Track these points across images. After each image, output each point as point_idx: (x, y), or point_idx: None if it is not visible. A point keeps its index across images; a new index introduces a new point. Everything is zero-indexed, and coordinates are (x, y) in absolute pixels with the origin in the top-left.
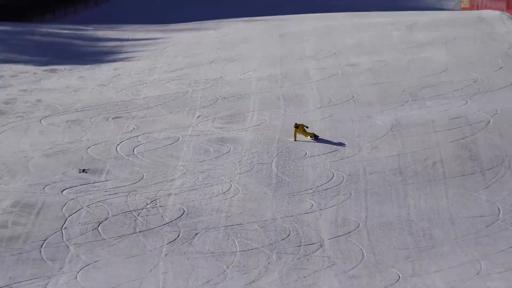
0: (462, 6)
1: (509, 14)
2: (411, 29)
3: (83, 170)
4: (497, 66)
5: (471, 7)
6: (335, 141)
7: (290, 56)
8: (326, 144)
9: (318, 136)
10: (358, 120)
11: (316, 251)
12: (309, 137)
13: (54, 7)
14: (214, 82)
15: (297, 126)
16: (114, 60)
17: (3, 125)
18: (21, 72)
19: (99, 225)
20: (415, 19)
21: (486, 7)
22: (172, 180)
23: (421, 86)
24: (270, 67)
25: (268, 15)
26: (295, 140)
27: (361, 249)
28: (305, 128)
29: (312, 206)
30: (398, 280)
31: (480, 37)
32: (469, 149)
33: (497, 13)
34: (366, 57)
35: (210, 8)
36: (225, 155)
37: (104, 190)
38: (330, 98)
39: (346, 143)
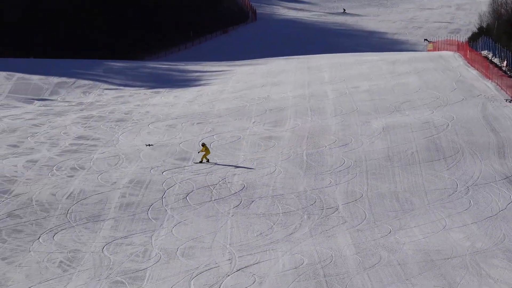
0: (428, 49)
1: (459, 53)
2: (394, 63)
3: (149, 145)
4: (452, 88)
5: (434, 49)
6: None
7: (314, 81)
8: (339, 140)
9: (208, 161)
10: (360, 124)
11: (333, 213)
12: (204, 159)
13: (157, 50)
14: (263, 99)
15: (203, 145)
16: (197, 85)
17: (124, 128)
18: (136, 93)
19: (187, 195)
20: (397, 57)
21: (444, 49)
22: (236, 164)
23: (402, 101)
24: (301, 89)
25: (298, 55)
26: (201, 152)
27: (364, 212)
28: (208, 151)
29: (330, 182)
30: (390, 232)
31: (440, 69)
32: (435, 143)
33: (451, 53)
34: (365, 82)
35: (260, 52)
36: (271, 148)
37: (191, 172)
38: (341, 110)
39: (352, 139)
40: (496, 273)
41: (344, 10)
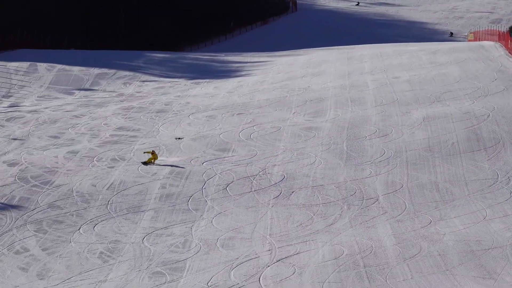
0: (469, 39)
1: (500, 43)
2: (435, 54)
3: (179, 138)
4: (493, 78)
5: (475, 40)
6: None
7: (354, 72)
8: (379, 130)
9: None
10: (401, 115)
11: (373, 203)
12: (150, 161)
13: (198, 41)
14: (304, 90)
15: (153, 152)
16: (238, 76)
17: (164, 119)
18: (176, 84)
19: (227, 186)
20: (437, 47)
21: (485, 39)
22: (276, 155)
23: (443, 92)
24: (341, 79)
25: (339, 45)
26: (147, 154)
27: (404, 202)
28: (155, 157)
29: (370, 173)
30: (430, 223)
31: (481, 59)
32: (476, 134)
33: (492, 43)
34: (405, 72)
35: (300, 42)
36: (311, 138)
37: (231, 162)
38: (382, 100)
39: (392, 130)
40: None
41: (358, 2)
